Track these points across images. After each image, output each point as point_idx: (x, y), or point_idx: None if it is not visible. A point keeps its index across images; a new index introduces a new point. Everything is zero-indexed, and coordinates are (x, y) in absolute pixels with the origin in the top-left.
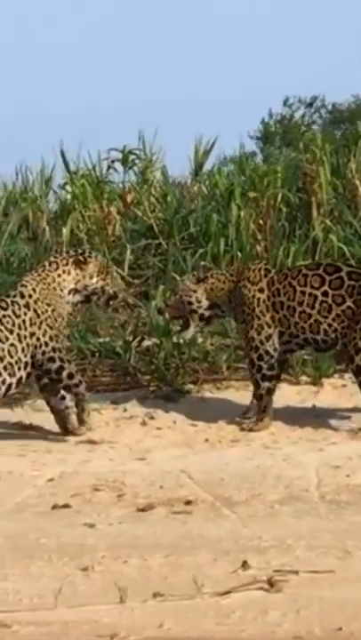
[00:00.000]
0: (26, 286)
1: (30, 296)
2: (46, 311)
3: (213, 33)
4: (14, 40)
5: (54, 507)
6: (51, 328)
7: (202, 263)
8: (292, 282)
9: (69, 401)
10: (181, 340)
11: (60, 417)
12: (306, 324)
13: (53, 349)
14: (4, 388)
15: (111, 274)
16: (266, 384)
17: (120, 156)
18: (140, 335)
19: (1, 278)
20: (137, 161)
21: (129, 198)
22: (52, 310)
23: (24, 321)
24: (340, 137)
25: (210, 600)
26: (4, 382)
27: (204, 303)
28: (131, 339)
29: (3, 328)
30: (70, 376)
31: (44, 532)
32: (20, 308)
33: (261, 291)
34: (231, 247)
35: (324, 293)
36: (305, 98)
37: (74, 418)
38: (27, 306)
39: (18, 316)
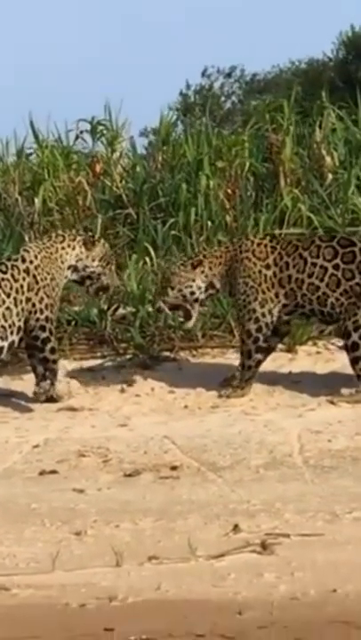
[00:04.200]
0: (28, 252)
1: (32, 262)
2: (45, 279)
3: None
4: None
5: (42, 472)
6: (48, 296)
7: (172, 232)
8: (304, 253)
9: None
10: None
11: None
12: (313, 297)
13: (47, 319)
14: None
15: (111, 266)
16: (258, 356)
17: (88, 126)
18: (116, 303)
19: None
20: (105, 132)
21: (97, 168)
22: (51, 279)
23: (22, 286)
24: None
25: (204, 563)
26: None
27: (203, 288)
28: (106, 307)
29: (0, 292)
30: (52, 351)
31: (34, 497)
32: (19, 273)
33: (268, 267)
34: (201, 217)
35: (335, 267)
36: (223, 68)
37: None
38: (26, 271)
39: (16, 281)
